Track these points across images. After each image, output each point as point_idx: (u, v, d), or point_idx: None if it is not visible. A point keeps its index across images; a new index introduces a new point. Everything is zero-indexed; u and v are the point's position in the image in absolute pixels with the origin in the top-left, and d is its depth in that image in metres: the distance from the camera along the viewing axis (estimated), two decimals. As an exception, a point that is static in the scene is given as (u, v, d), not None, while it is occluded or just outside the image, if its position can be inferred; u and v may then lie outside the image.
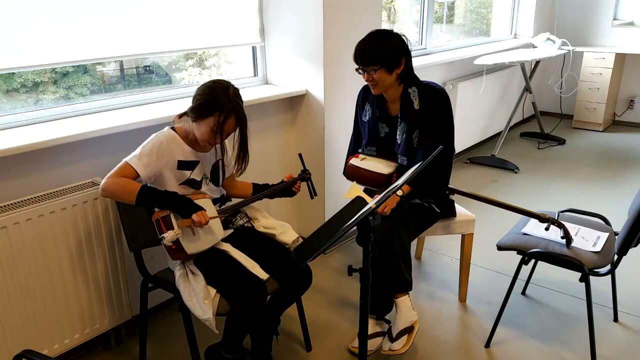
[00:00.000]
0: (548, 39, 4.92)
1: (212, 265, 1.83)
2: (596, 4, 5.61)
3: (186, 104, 1.83)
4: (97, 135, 2.02)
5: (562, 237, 2.05)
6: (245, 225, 2.05)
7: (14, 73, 2.10)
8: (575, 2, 5.72)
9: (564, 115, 5.98)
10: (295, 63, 2.84)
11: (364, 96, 2.31)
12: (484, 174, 4.34)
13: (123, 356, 2.20)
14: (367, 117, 2.28)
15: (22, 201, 1.86)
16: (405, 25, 4.47)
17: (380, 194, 1.49)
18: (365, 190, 2.35)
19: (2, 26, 1.89)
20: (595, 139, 5.25)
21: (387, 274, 2.07)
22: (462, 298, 2.56)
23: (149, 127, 2.16)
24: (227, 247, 1.88)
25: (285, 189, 2.10)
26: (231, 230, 2.01)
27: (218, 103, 1.73)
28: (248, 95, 2.62)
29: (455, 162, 4.52)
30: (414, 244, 2.89)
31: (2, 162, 1.87)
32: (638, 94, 5.62)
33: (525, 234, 2.19)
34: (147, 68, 2.68)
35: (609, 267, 2.04)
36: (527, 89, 4.80)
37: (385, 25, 4.03)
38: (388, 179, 2.18)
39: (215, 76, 2.81)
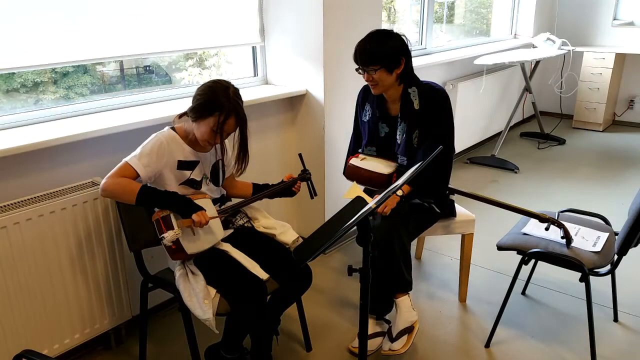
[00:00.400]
0: (548, 39, 4.92)
1: (212, 265, 1.83)
2: (596, 4, 5.61)
3: (186, 104, 1.83)
4: (97, 135, 2.02)
5: (562, 237, 2.05)
6: (245, 225, 2.05)
7: (14, 73, 2.10)
8: (575, 2, 5.72)
9: (564, 115, 5.98)
10: (295, 63, 2.84)
11: (364, 96, 2.31)
12: (484, 174, 4.34)
13: (123, 356, 2.20)
14: (367, 117, 2.28)
15: (22, 201, 1.86)
16: (405, 25, 4.47)
17: (380, 194, 1.49)
18: (365, 190, 2.35)
19: (2, 26, 1.89)
20: (595, 139, 5.24)
21: (387, 274, 2.07)
22: (462, 298, 2.56)
23: (149, 127, 2.16)
24: (227, 247, 1.88)
25: (285, 189, 2.10)
26: (231, 230, 2.01)
27: (218, 103, 1.73)
28: (248, 95, 2.62)
29: (455, 162, 4.52)
30: (414, 244, 2.89)
31: (2, 162, 1.87)
32: (638, 94, 5.62)
33: (525, 234, 2.18)
34: (147, 68, 2.68)
35: (609, 267, 2.04)
36: (527, 89, 4.80)
37: (385, 25, 4.03)
38: (388, 179, 2.18)
39: (215, 76, 2.81)
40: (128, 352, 2.23)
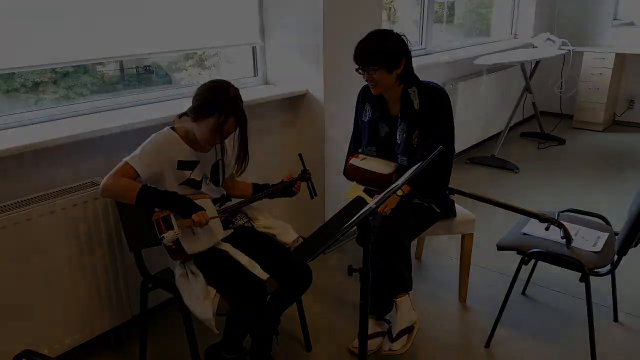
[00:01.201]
0: (548, 39, 4.92)
1: (212, 265, 1.83)
2: (596, 4, 5.61)
3: (186, 104, 1.83)
4: (97, 135, 2.02)
5: (562, 237, 2.05)
6: (245, 225, 2.05)
7: (14, 73, 2.10)
8: (575, 2, 5.72)
9: (564, 115, 5.98)
10: (295, 63, 2.84)
11: (364, 96, 2.31)
12: (484, 174, 4.34)
13: (123, 356, 2.20)
14: (367, 117, 2.28)
15: (22, 201, 1.86)
16: (405, 25, 4.47)
17: (380, 194, 1.49)
18: (365, 190, 2.35)
19: (2, 26, 1.89)
20: (595, 139, 5.24)
21: (387, 274, 2.07)
22: (462, 298, 2.56)
23: (149, 127, 2.15)
24: (227, 247, 1.88)
25: (285, 189, 2.10)
26: (231, 230, 2.01)
27: (218, 103, 1.73)
28: (248, 95, 2.61)
29: (455, 162, 4.50)
30: (414, 244, 2.88)
31: (2, 162, 1.87)
32: (638, 94, 5.62)
33: (525, 234, 2.18)
34: (147, 68, 2.68)
35: (609, 267, 2.04)
36: (527, 89, 4.80)
37: (385, 25, 4.02)
38: (388, 179, 2.18)
39: (215, 76, 2.80)
40: (128, 352, 2.22)
